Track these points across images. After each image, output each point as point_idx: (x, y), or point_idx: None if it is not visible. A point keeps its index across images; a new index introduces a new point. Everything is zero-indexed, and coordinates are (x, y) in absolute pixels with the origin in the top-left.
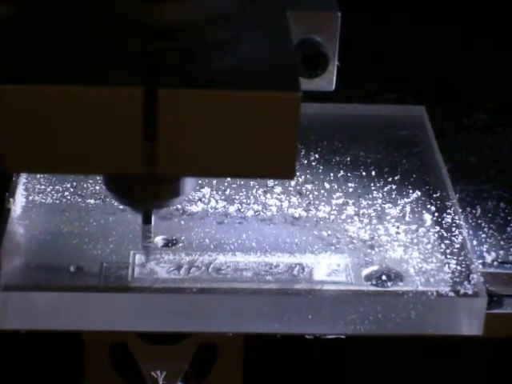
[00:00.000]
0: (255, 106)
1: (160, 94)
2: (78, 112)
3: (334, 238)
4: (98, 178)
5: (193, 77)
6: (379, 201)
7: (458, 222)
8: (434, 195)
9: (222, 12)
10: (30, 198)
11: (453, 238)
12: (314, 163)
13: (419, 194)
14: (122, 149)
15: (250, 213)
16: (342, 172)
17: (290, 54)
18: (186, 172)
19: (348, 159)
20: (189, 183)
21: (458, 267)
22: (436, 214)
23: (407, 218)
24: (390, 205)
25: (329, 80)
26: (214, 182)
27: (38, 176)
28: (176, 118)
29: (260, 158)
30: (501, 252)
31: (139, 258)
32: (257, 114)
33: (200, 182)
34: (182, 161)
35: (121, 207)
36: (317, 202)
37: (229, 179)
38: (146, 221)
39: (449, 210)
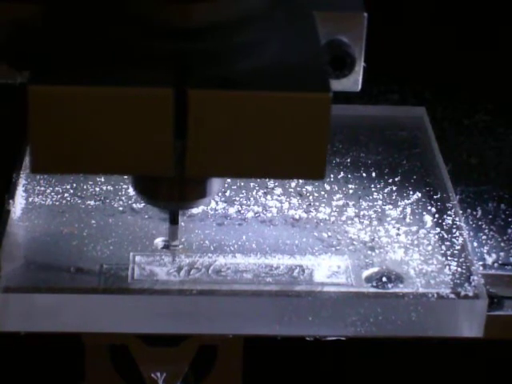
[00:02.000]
0: (286, 106)
1: (190, 94)
2: (108, 112)
3: (335, 240)
4: (97, 179)
5: (222, 77)
6: (379, 202)
7: (458, 223)
8: (435, 196)
9: (251, 13)
10: (30, 199)
11: (453, 240)
12: None
13: (420, 195)
14: (152, 149)
15: (250, 214)
16: (342, 173)
17: (318, 55)
18: (216, 172)
19: (348, 160)
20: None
21: (459, 269)
22: (436, 216)
23: (408, 220)
24: (391, 206)
25: (355, 81)
26: None
27: (38, 177)
28: (206, 119)
29: (290, 158)
30: (501, 253)
31: (139, 259)
32: (287, 114)
33: None
34: (211, 161)
35: (120, 209)
36: (317, 204)
37: (229, 180)
38: (173, 221)
39: (449, 212)
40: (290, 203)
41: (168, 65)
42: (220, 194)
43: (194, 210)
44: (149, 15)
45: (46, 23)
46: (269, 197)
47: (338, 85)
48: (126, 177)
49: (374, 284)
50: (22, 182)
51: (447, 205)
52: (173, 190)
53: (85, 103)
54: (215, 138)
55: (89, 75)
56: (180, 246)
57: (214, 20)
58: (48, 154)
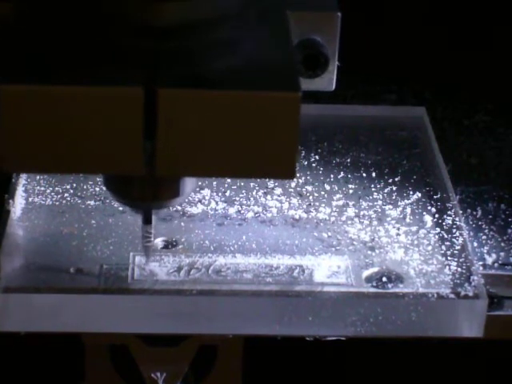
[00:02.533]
0: (255, 105)
1: (160, 93)
2: (78, 112)
3: (335, 240)
4: (97, 179)
5: (193, 76)
6: (379, 202)
7: (458, 223)
8: (435, 196)
9: (222, 12)
10: (30, 199)
11: (453, 240)
12: (314, 164)
13: (420, 195)
14: (122, 148)
15: (250, 214)
16: (342, 173)
17: (290, 54)
18: (186, 172)
19: (348, 160)
20: (189, 184)
21: (459, 269)
22: (436, 216)
23: (408, 220)
24: (391, 206)
25: (329, 80)
26: (214, 183)
27: (38, 177)
28: (176, 118)
29: (260, 158)
30: (501, 253)
31: (139, 259)
32: (257, 113)
33: (200, 183)
34: (181, 160)
35: (120, 209)
36: (317, 204)
37: (229, 180)
38: (146, 221)
39: (449, 212)
40: (290, 203)
41: (138, 64)
42: (220, 194)
43: (194, 210)
44: (120, 13)
45: (17, 21)
46: (269, 197)
47: (311, 84)
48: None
49: (374, 284)
50: (21, 182)
51: (447, 205)
52: (145, 190)
53: (54, 102)
54: (185, 138)
55: (58, 74)
56: (180, 246)
57: (185, 19)
58: (19, 152)
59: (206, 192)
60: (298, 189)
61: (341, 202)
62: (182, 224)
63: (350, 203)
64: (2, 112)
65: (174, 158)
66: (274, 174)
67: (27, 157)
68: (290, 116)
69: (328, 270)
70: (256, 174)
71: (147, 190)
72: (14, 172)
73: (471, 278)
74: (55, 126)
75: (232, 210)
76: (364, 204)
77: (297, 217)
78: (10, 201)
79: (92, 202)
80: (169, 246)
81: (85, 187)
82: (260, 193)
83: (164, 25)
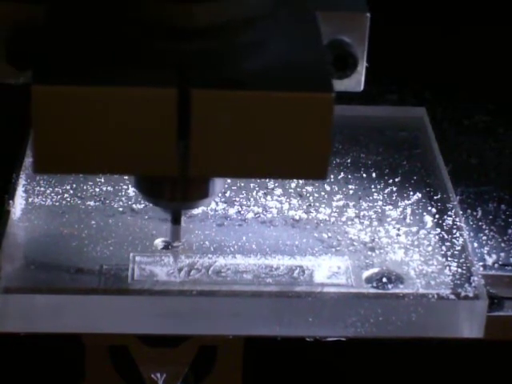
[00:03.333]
0: (288, 106)
1: (193, 94)
2: (111, 112)
3: (335, 240)
4: (97, 179)
5: (225, 77)
6: (380, 203)
7: (458, 223)
8: (435, 197)
9: (254, 13)
10: (30, 199)
11: (453, 240)
12: None
13: (420, 195)
14: (156, 149)
15: (250, 215)
16: (342, 174)
17: (322, 55)
18: (219, 172)
19: (348, 161)
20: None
21: (459, 269)
22: (437, 216)
23: (408, 220)
24: (391, 207)
25: (357, 81)
26: None
27: (38, 178)
28: (209, 119)
29: (293, 158)
30: (502, 254)
31: (139, 259)
32: (290, 114)
33: None
34: (214, 161)
35: (120, 209)
36: (317, 204)
37: (229, 181)
38: (175, 221)
39: (449, 212)
40: (290, 204)
41: (171, 65)
42: (220, 195)
43: (194, 211)
44: (152, 15)
45: (48, 23)
46: (269, 197)
47: (340, 85)
48: (126, 177)
49: (375, 285)
50: (21, 182)
51: (447, 205)
52: (176, 190)
53: (88, 103)
54: (218, 138)
55: (92, 75)
56: (180, 247)
57: (217, 20)
58: (51, 154)
59: None
60: (298, 189)
61: (341, 203)
62: (182, 224)
63: (350, 204)
64: (34, 113)
65: (208, 159)
66: (307, 174)
67: (59, 158)
68: (323, 116)
69: (328, 271)
70: (288, 175)
71: (177, 190)
72: (45, 174)
73: (471, 278)
74: (88, 127)
75: (232, 211)
76: (364, 204)
77: (297, 217)
78: (10, 201)
79: (92, 203)
80: (169, 246)
81: (85, 188)
82: (260, 193)
83: (196, 26)
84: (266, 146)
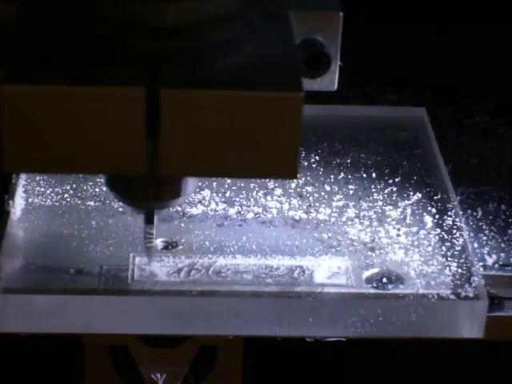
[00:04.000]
0: (257, 106)
1: (162, 94)
2: (80, 112)
3: (335, 241)
4: (97, 179)
5: (195, 77)
6: (380, 203)
7: (458, 224)
8: (435, 197)
9: (224, 12)
10: (30, 200)
11: (454, 241)
12: (314, 165)
13: (420, 196)
14: (124, 148)
15: (250, 215)
16: (342, 174)
17: (293, 54)
18: (188, 172)
19: (348, 161)
20: (190, 184)
21: (459, 270)
22: (437, 216)
23: (408, 221)
24: (391, 207)
25: (331, 80)
26: (214, 184)
27: (38, 178)
28: (178, 118)
29: (262, 157)
30: (502, 254)
31: (139, 260)
32: (259, 114)
33: (200, 184)
34: (184, 160)
35: (120, 209)
36: (317, 204)
37: (229, 181)
38: (148, 221)
39: (449, 212)
40: (290, 204)
41: (142, 64)
42: (220, 195)
43: (195, 211)
44: (121, 14)
45: (19, 22)
46: (269, 197)
47: (313, 84)
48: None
49: (375, 285)
50: (21, 182)
51: (447, 205)
52: (147, 190)
53: (57, 102)
54: (187, 138)
55: (62, 74)
56: (180, 247)
57: (186, 19)
58: (21, 153)
59: (206, 193)
60: (298, 189)
61: (341, 203)
62: (182, 225)
63: (350, 204)
64: (2, 112)
65: (177, 158)
66: (277, 174)
67: (28, 157)
68: (292, 116)
69: (328, 271)
70: (258, 174)
71: (149, 190)
72: (14, 172)
73: (471, 278)
74: (56, 126)
75: (232, 211)
76: (364, 205)
77: (297, 217)
78: (10, 201)
79: (92, 203)
80: (169, 246)
81: (85, 188)
82: (260, 193)
83: (166, 25)
84: (235, 146)
